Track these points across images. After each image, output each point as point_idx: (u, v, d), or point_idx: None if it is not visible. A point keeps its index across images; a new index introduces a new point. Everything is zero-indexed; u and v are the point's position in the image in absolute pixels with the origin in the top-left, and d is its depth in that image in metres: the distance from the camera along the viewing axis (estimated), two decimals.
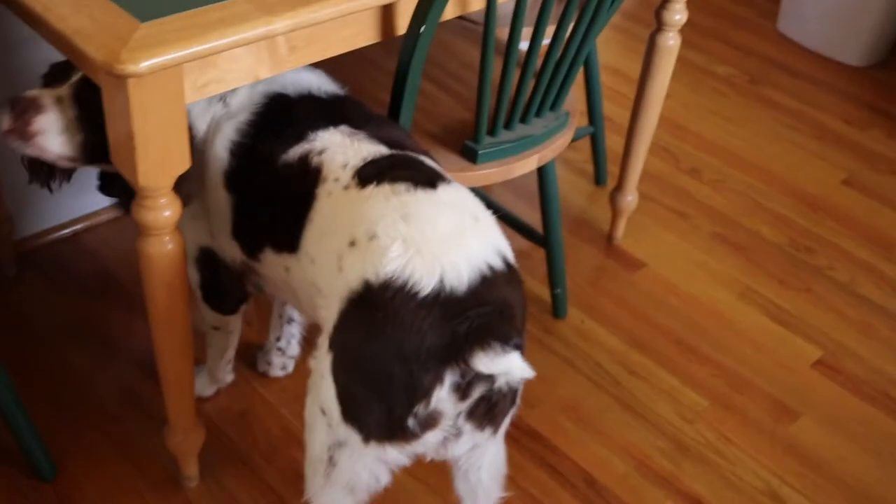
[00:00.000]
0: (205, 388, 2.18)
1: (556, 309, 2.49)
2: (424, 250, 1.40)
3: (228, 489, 2.03)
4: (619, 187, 2.67)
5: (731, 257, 2.76)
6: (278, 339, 2.25)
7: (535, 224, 2.49)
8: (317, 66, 1.81)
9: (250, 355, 2.29)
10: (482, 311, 1.38)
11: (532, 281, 2.56)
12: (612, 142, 3.04)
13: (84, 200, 2.61)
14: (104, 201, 2.64)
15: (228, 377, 2.20)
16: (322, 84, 1.80)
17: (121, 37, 1.44)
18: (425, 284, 1.37)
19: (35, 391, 2.15)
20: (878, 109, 3.48)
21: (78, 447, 2.08)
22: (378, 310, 1.39)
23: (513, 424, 2.12)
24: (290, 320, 2.23)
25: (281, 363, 2.25)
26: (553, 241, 2.36)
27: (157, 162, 1.53)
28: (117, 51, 1.41)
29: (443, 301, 1.37)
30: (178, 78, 1.50)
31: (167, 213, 1.60)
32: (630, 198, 2.67)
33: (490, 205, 2.53)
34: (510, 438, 2.12)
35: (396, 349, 1.37)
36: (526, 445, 2.16)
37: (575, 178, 3.01)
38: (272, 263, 1.72)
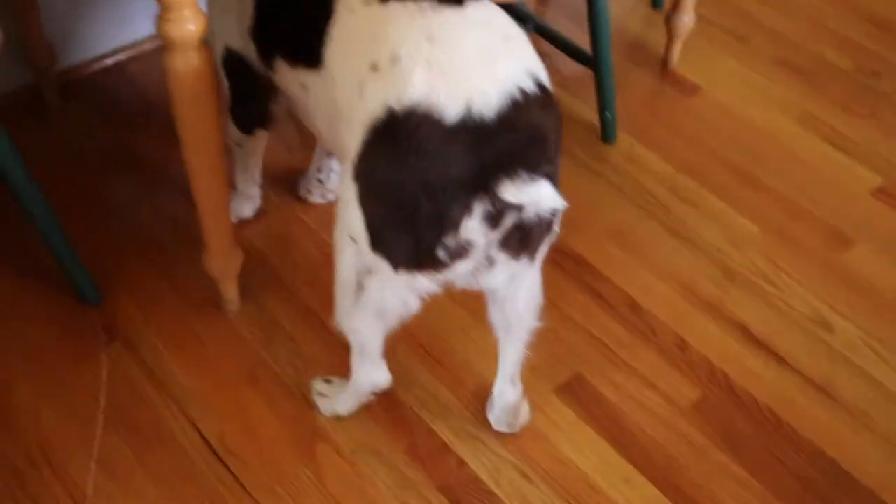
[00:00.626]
0: (241, 208, 2.17)
1: (606, 133, 2.41)
2: (450, 74, 1.33)
3: (269, 311, 2.03)
4: (674, 8, 2.55)
5: (793, 82, 2.65)
6: (319, 170, 2.22)
7: (586, 47, 2.40)
8: None
9: (292, 181, 2.27)
10: (511, 138, 1.32)
11: (583, 106, 2.48)
12: None
13: (127, 30, 2.57)
14: (147, 30, 2.60)
15: (257, 199, 2.19)
16: None
17: None
18: (451, 111, 1.30)
19: (79, 219, 2.15)
20: None
21: (122, 273, 2.09)
22: (402, 139, 1.33)
23: (556, 249, 2.11)
24: (332, 154, 2.19)
25: (320, 192, 2.23)
26: (602, 61, 2.28)
27: None
28: None
29: (470, 128, 1.30)
30: None
31: (192, 27, 1.54)
32: (686, 19, 2.55)
33: (539, 26, 2.48)
34: (553, 263, 2.11)
35: (422, 180, 1.32)
36: (569, 270, 2.13)
37: (631, 1, 2.89)
38: (287, 77, 1.67)
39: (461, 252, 1.39)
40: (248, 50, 1.77)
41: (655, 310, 2.07)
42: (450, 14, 1.41)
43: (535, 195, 1.32)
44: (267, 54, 1.70)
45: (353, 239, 1.47)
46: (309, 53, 1.55)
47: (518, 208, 1.35)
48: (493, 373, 1.79)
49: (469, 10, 1.42)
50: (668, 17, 2.57)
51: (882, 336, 2.05)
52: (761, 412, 1.92)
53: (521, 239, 1.42)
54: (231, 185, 2.10)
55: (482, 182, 1.31)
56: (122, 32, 2.58)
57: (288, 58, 1.63)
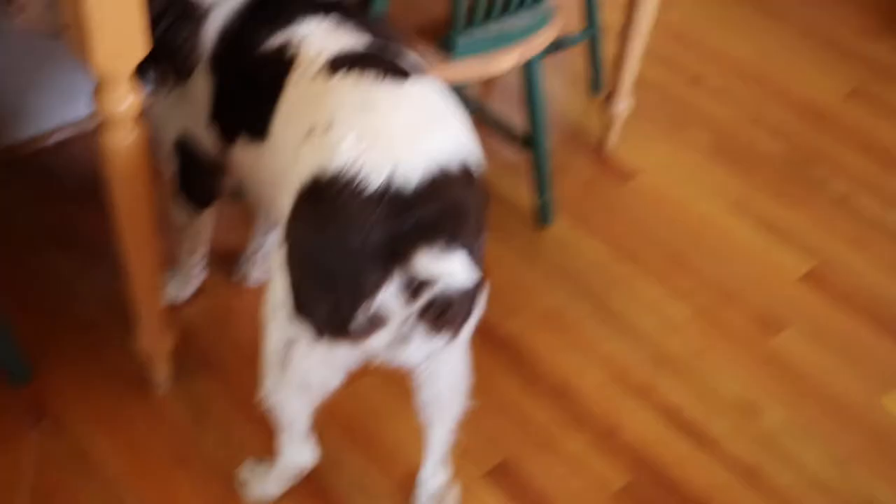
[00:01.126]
0: (180, 289, 2.18)
1: (543, 217, 2.45)
2: (378, 144, 1.36)
3: (201, 393, 2.02)
4: (612, 94, 2.61)
5: (727, 168, 2.71)
6: (260, 249, 2.23)
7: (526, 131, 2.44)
8: None
9: (231, 262, 2.27)
10: (430, 211, 1.34)
11: (521, 189, 2.51)
12: (612, 50, 2.96)
13: (70, 108, 2.58)
14: (90, 109, 2.61)
15: (199, 278, 2.19)
16: None
17: None
18: (374, 179, 1.33)
19: (16, 294, 2.14)
20: (891, 20, 3.38)
21: (54, 351, 2.08)
22: (325, 203, 1.36)
23: (489, 331, 2.15)
24: (272, 231, 2.21)
25: (260, 273, 2.24)
26: (538, 145, 2.32)
27: (114, 47, 1.49)
28: None
29: (390, 197, 1.33)
30: None
31: (129, 103, 1.56)
32: (623, 105, 2.61)
33: (479, 110, 2.52)
34: (486, 344, 2.12)
35: (341, 245, 1.34)
36: (502, 352, 2.14)
37: (572, 86, 2.95)
38: (245, 154, 1.70)
39: (377, 322, 1.40)
40: (202, 134, 1.80)
41: (587, 394, 2.08)
42: (389, 88, 1.45)
43: (449, 268, 1.32)
44: (228, 136, 1.72)
45: (279, 306, 1.49)
46: (262, 128, 1.59)
47: (433, 281, 1.36)
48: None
49: (409, 86, 1.47)
50: (606, 102, 2.63)
51: (809, 421, 2.07)
52: (690, 497, 1.93)
53: (439, 314, 1.42)
54: (171, 265, 2.12)
55: (399, 251, 1.32)
56: (65, 111, 2.58)
57: (247, 136, 1.67)
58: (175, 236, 2.09)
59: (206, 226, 2.07)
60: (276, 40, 1.62)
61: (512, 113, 2.73)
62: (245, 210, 2.37)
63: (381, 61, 1.52)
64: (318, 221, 1.37)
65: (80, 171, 2.52)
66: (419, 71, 1.55)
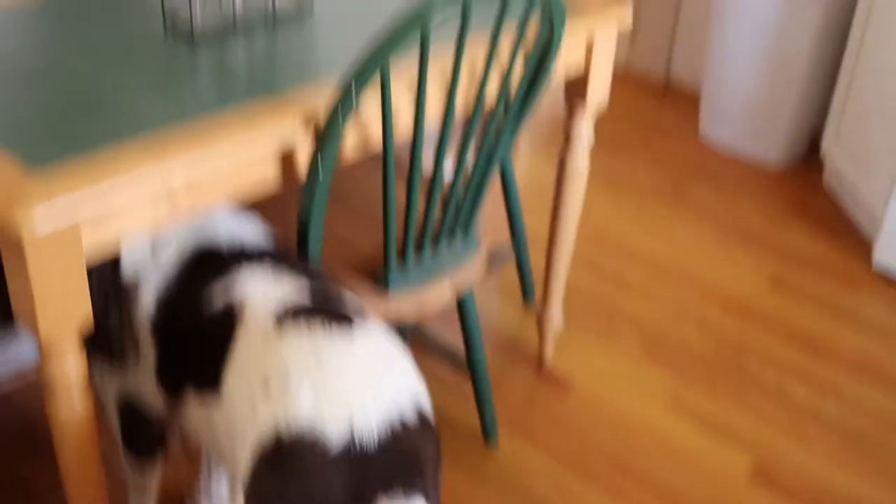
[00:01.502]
0: None
1: (487, 434, 2.47)
2: (334, 397, 1.40)
3: None
4: (544, 305, 2.67)
5: (660, 368, 2.77)
6: (207, 488, 2.22)
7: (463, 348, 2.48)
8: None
9: (178, 498, 2.24)
10: (390, 461, 1.38)
11: (464, 408, 2.54)
12: (541, 259, 3.05)
13: (10, 360, 2.57)
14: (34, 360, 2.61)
15: None
16: (253, 233, 1.81)
17: (13, 198, 1.42)
18: (335, 435, 1.37)
19: None
20: (799, 208, 3.55)
21: None
22: (287, 460, 1.38)
23: None
24: (220, 475, 2.20)
25: None
26: (478, 369, 2.36)
27: (59, 320, 1.52)
28: (11, 213, 1.40)
29: (352, 450, 1.37)
30: (76, 237, 1.49)
31: (73, 372, 1.58)
32: (555, 315, 2.67)
33: (418, 334, 2.56)
34: None
35: (305, 501, 1.36)
36: None
37: (504, 298, 3.02)
38: (195, 411, 1.70)
39: None
40: (147, 395, 1.80)
41: None
42: (337, 337, 1.49)
43: None
44: (176, 395, 1.73)
45: None
46: (212, 381, 1.60)
47: None
48: None
49: (355, 333, 1.51)
50: (539, 315, 2.69)
51: None
52: None
53: None
54: None
55: (361, 500, 1.35)
56: (5, 363, 2.57)
57: (197, 394, 1.67)
58: (123, 487, 2.06)
59: (154, 477, 2.05)
60: (217, 297, 1.66)
61: (447, 330, 2.78)
62: (192, 449, 2.35)
63: (324, 309, 1.57)
64: (281, 478, 1.39)
65: (26, 423, 2.49)
66: (361, 314, 1.60)
